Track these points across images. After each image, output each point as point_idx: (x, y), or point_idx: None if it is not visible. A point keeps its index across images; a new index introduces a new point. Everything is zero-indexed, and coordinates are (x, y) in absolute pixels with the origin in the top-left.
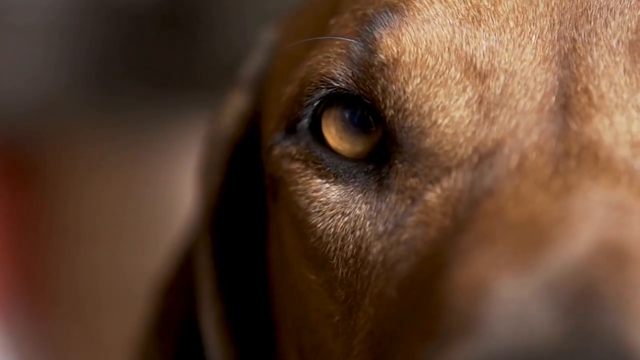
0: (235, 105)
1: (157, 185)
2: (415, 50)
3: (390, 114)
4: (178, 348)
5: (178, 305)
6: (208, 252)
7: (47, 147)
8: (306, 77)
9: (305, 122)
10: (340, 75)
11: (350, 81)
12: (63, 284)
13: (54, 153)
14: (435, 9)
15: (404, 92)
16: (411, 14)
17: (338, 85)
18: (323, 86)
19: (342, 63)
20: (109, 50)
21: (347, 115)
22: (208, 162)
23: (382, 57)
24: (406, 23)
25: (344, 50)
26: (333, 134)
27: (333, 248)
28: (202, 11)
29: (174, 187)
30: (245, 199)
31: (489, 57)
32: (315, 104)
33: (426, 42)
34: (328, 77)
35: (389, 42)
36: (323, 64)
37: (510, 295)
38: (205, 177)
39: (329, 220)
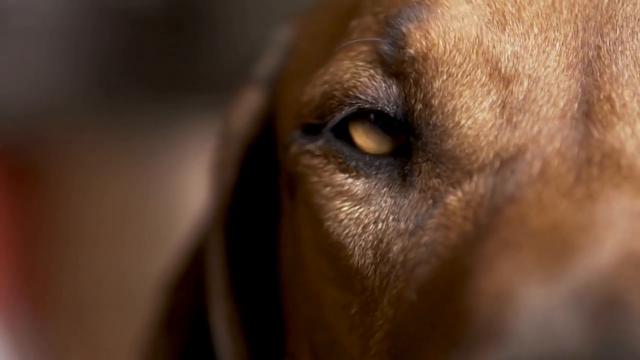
0: (249, 103)
1: (160, 189)
2: (444, 46)
3: (419, 107)
4: (186, 343)
5: (187, 301)
6: (221, 250)
7: (49, 150)
8: (329, 90)
9: (328, 125)
10: (368, 87)
11: (383, 87)
12: (65, 287)
13: (56, 156)
14: (463, 8)
15: (432, 86)
16: (439, 10)
17: (365, 98)
18: (347, 101)
19: (370, 69)
20: (111, 54)
21: (374, 119)
22: (221, 159)
23: (412, 51)
24: (435, 17)
25: (371, 53)
26: (360, 133)
27: (351, 233)
28: (205, 15)
29: (176, 191)
30: (258, 197)
31: (513, 62)
32: (339, 120)
33: (454, 39)
34: (355, 91)
35: (417, 36)
36: (351, 71)
37: (537, 303)
38: (218, 175)
39: (355, 207)
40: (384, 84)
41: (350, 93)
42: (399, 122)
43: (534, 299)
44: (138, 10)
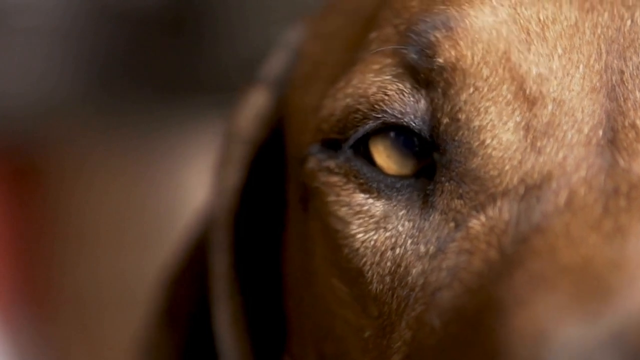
0: (256, 104)
1: (160, 189)
2: (472, 57)
3: (445, 121)
4: (187, 339)
5: (187, 297)
6: (229, 249)
7: (50, 150)
8: (353, 104)
9: (349, 141)
10: (395, 101)
11: (412, 101)
12: (65, 287)
13: (56, 157)
14: (491, 20)
15: (459, 99)
16: (467, 20)
17: (391, 112)
18: (373, 115)
19: (398, 83)
20: (112, 54)
21: (396, 136)
22: (226, 160)
23: (441, 60)
24: (463, 28)
25: (397, 65)
26: (381, 151)
27: (369, 262)
28: (206, 16)
29: (177, 191)
30: (262, 196)
31: (538, 83)
32: (362, 134)
33: (482, 51)
34: (382, 105)
35: (447, 46)
36: (377, 85)
37: (575, 343)
38: (222, 176)
39: (371, 233)
40: (412, 98)
41: (377, 107)
42: (422, 141)
43: (572, 340)
44: (138, 11)
